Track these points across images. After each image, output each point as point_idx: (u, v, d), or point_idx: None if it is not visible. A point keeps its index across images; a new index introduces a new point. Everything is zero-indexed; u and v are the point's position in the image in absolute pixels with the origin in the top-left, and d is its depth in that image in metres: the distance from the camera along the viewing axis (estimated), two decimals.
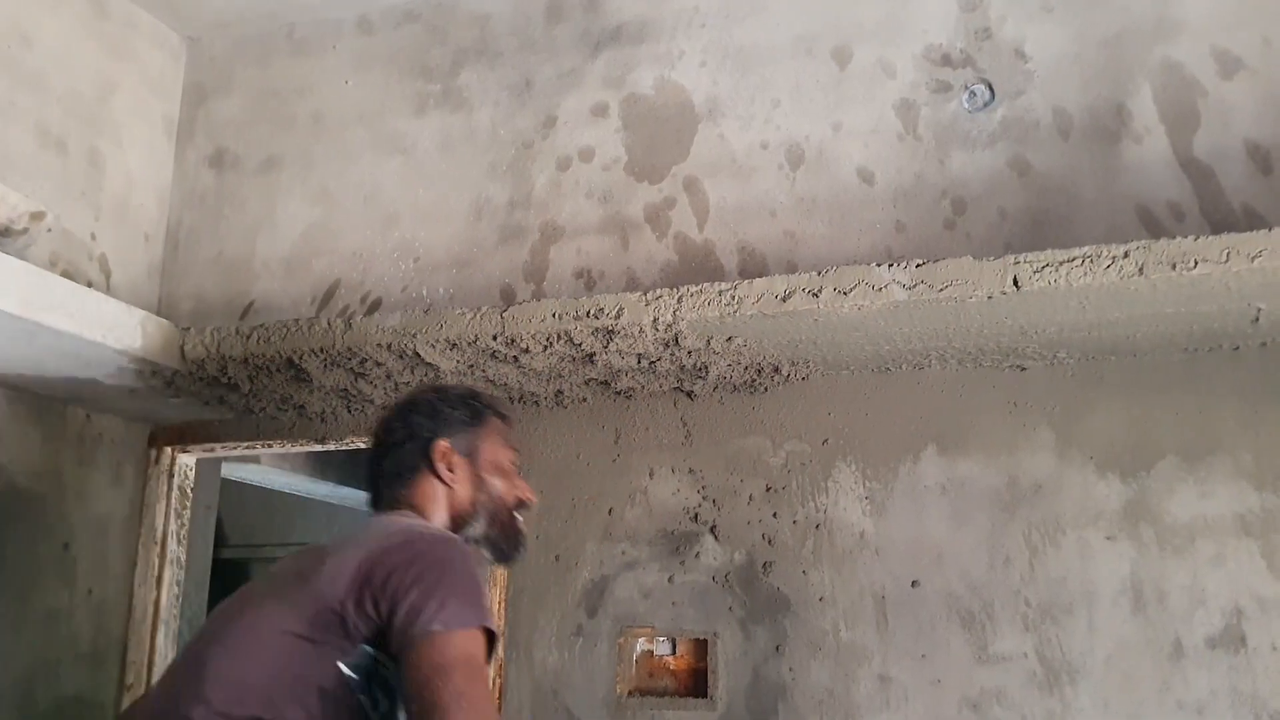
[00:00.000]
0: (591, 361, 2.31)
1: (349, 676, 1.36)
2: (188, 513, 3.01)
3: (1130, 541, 2.19)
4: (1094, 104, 2.32)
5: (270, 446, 2.92)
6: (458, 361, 2.33)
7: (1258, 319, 2.01)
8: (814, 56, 2.56)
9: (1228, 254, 1.79)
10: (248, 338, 2.39)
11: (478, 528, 1.67)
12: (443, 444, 1.65)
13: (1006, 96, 2.39)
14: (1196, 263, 1.80)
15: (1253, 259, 1.77)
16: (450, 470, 1.65)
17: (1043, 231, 2.27)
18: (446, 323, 2.22)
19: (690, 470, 2.54)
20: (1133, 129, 2.29)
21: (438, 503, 1.65)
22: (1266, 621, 2.08)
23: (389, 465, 1.68)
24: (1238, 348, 2.19)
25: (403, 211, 2.79)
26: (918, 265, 1.99)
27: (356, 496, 4.03)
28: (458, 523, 1.65)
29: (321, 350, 2.33)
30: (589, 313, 2.13)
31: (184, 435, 2.97)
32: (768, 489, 2.47)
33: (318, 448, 2.89)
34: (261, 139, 3.01)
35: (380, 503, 1.69)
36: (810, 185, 2.49)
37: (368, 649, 1.37)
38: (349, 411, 2.77)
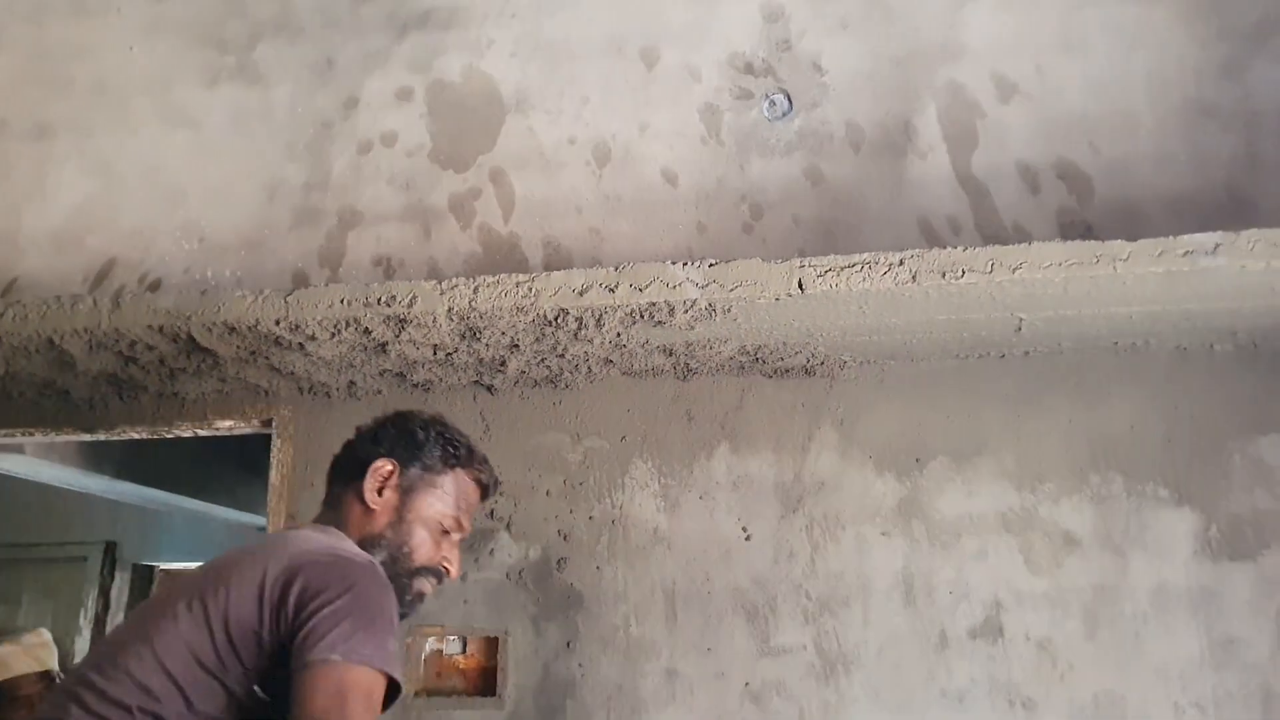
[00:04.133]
0: (384, 351, 2.24)
1: (262, 699, 1.29)
2: None
3: (903, 537, 2.30)
4: (884, 119, 2.43)
5: (32, 435, 2.69)
6: (238, 347, 2.21)
7: (1020, 329, 2.15)
8: (623, 55, 2.58)
9: (992, 265, 1.90)
10: (0, 316, 2.19)
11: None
12: (384, 463, 1.57)
13: (804, 108, 2.47)
14: (964, 272, 1.91)
15: (1014, 270, 1.89)
16: (378, 494, 1.56)
17: (833, 239, 2.36)
18: (224, 305, 2.10)
19: None
20: (918, 145, 2.40)
21: (352, 520, 1.56)
22: (1021, 613, 2.22)
23: (343, 460, 1.63)
24: (1004, 356, 2.34)
25: (189, 188, 2.63)
26: (710, 265, 2.02)
27: (139, 492, 3.78)
28: (360, 547, 1.52)
29: (86, 331, 2.16)
30: (380, 300, 2.06)
31: None
32: (565, 485, 2.46)
33: (87, 437, 2.68)
34: (33, 103, 2.78)
35: (326, 498, 1.63)
36: (616, 183, 2.50)
37: (281, 671, 1.28)
38: (120, 399, 2.58)
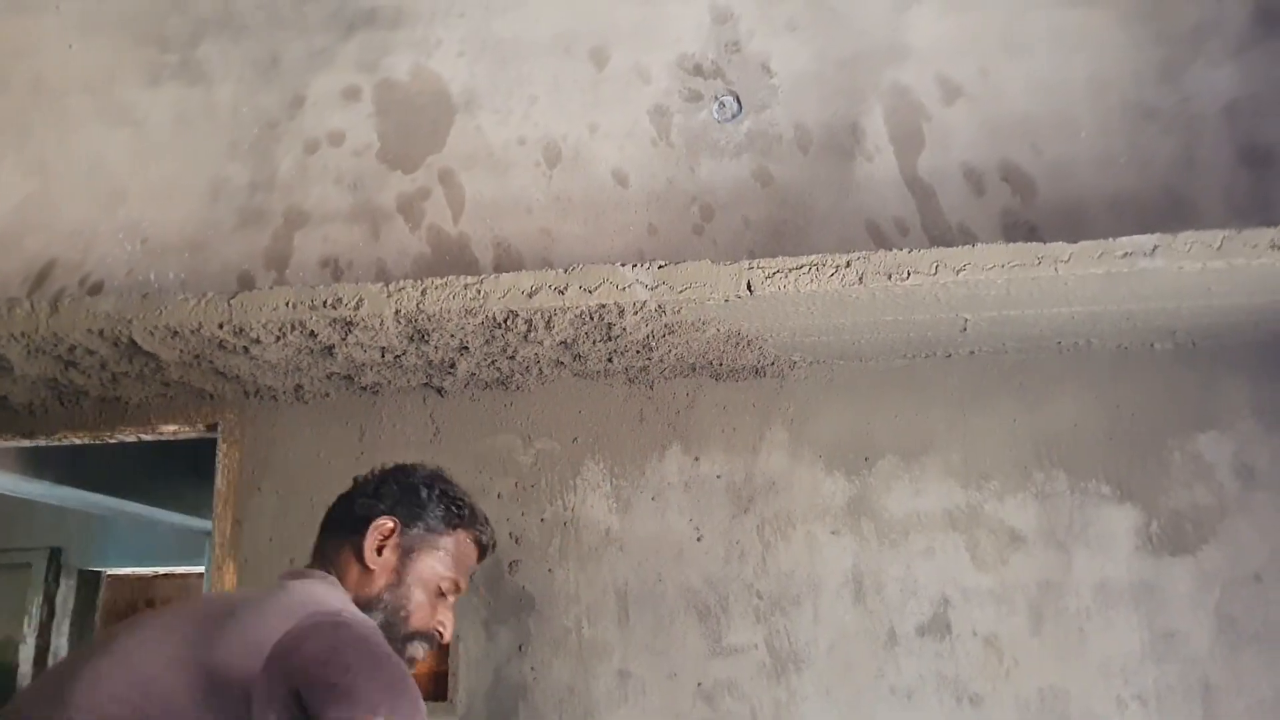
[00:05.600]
0: (331, 354, 2.22)
1: None
2: None
3: (853, 535, 2.32)
4: (831, 121, 2.45)
5: None
6: (180, 351, 2.17)
7: (965, 329, 2.18)
8: (572, 55, 2.57)
9: (936, 267, 1.92)
10: None
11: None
12: (386, 521, 1.51)
13: (753, 109, 2.48)
14: (909, 274, 1.93)
15: (958, 271, 1.91)
16: (377, 553, 1.50)
17: (782, 241, 2.37)
18: (167, 308, 2.06)
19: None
20: (865, 147, 2.42)
21: (348, 578, 1.49)
22: (968, 610, 2.25)
23: (338, 512, 1.56)
24: (950, 355, 2.37)
25: (131, 188, 2.58)
26: (660, 266, 2.02)
27: (80, 498, 3.71)
28: (355, 605, 1.45)
29: (22, 335, 2.11)
30: (326, 302, 2.03)
31: None
32: (517, 487, 2.45)
33: (26, 443, 2.62)
34: None
35: (316, 548, 1.55)
36: (566, 184, 2.50)
37: None
38: (61, 404, 2.53)
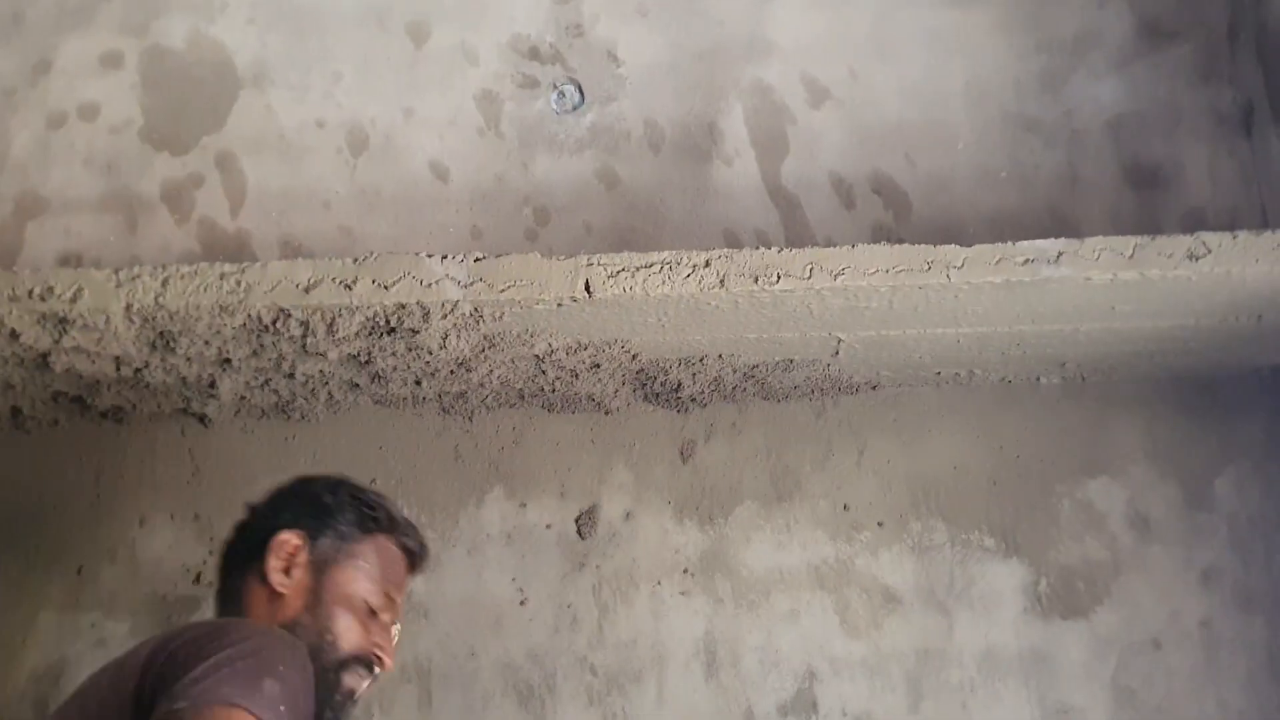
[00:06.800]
0: (47, 365, 1.72)
1: None
2: None
3: (706, 596, 1.95)
4: (686, 119, 2.16)
5: None
6: None
7: (838, 352, 1.87)
8: (386, 29, 2.20)
9: (811, 269, 1.61)
10: None
11: None
12: (289, 536, 1.33)
13: (597, 101, 2.17)
14: (779, 277, 1.60)
15: (836, 276, 1.60)
16: (284, 572, 1.31)
17: (629, 250, 2.03)
18: None
19: (197, 517, 1.99)
20: (724, 150, 2.14)
21: (256, 611, 1.30)
22: (838, 684, 1.91)
23: (237, 544, 1.40)
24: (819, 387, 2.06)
25: None
26: (476, 260, 1.64)
27: None
28: None
29: None
30: (31, 292, 1.55)
31: None
32: None
33: None
34: None
35: (218, 593, 1.39)
36: (374, 175, 2.12)
37: None
38: None
